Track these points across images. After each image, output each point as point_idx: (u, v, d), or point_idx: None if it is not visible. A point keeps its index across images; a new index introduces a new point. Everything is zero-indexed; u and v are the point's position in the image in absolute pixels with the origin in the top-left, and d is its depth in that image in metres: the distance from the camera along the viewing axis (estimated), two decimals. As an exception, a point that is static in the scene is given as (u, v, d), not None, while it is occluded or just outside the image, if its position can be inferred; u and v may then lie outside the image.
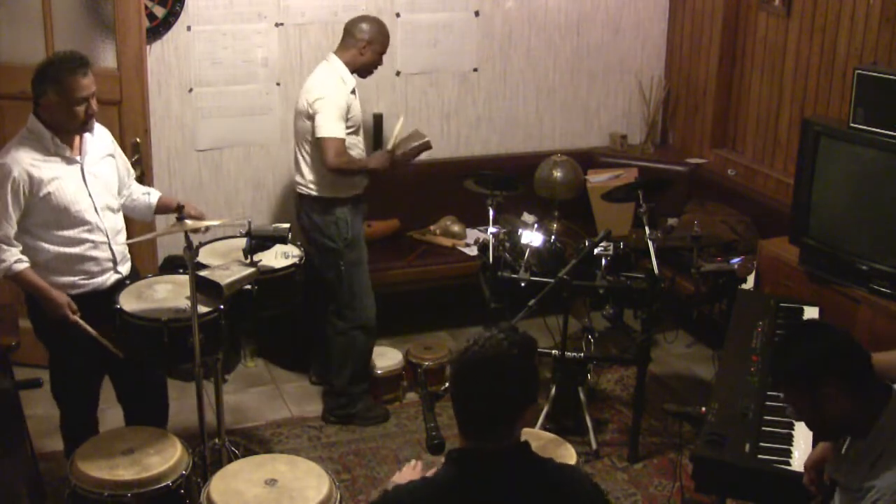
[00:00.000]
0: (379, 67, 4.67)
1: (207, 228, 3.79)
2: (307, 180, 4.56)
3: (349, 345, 4.64)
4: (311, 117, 4.41)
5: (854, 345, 2.49)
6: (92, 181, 3.63)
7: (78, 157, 3.60)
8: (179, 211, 3.54)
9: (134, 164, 4.49)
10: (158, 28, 5.00)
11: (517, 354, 2.18)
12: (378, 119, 5.45)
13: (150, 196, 3.94)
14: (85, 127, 3.58)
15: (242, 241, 3.79)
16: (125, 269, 3.78)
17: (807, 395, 2.46)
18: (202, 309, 3.52)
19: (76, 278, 3.62)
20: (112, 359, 3.77)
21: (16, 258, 3.50)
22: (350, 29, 4.54)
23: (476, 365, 2.17)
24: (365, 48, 4.50)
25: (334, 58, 4.52)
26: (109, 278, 3.71)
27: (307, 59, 5.26)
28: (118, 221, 3.76)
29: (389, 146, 4.72)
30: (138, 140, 4.63)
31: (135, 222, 4.18)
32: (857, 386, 2.43)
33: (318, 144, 4.42)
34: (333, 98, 4.39)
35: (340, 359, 4.67)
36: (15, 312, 4.44)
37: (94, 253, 3.64)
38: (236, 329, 4.32)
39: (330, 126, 4.38)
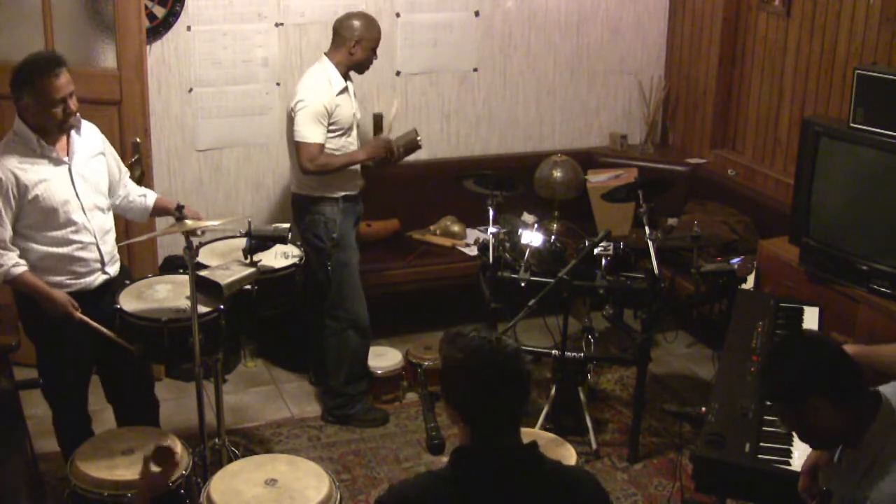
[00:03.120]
0: (375, 63, 4.64)
1: (204, 232, 3.79)
2: (296, 179, 4.58)
3: (343, 345, 4.64)
4: (292, 120, 4.43)
5: (842, 358, 2.48)
6: (80, 182, 3.61)
7: (65, 158, 3.59)
8: (179, 211, 3.54)
9: (134, 164, 4.49)
10: (158, 28, 5.00)
11: (508, 342, 2.23)
12: (378, 119, 5.44)
13: (146, 198, 3.93)
14: (64, 126, 3.55)
15: (242, 241, 3.79)
16: (113, 269, 3.76)
17: (794, 411, 2.46)
18: (202, 309, 3.52)
19: (63, 278, 3.61)
20: (102, 359, 3.78)
21: (13, 262, 3.49)
22: (338, 28, 4.52)
23: (506, 360, 2.17)
24: (355, 46, 4.47)
25: (325, 59, 4.51)
26: (97, 279, 3.70)
27: (307, 59, 5.26)
28: (107, 222, 3.74)
29: (386, 131, 4.71)
30: (138, 140, 4.63)
31: (135, 222, 4.18)
32: (845, 400, 2.43)
33: (295, 148, 4.44)
34: (312, 102, 4.38)
35: (335, 359, 4.67)
36: (15, 312, 4.44)
37: (81, 254, 3.63)
38: (236, 329, 4.32)
39: (304, 130, 4.38)
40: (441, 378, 2.24)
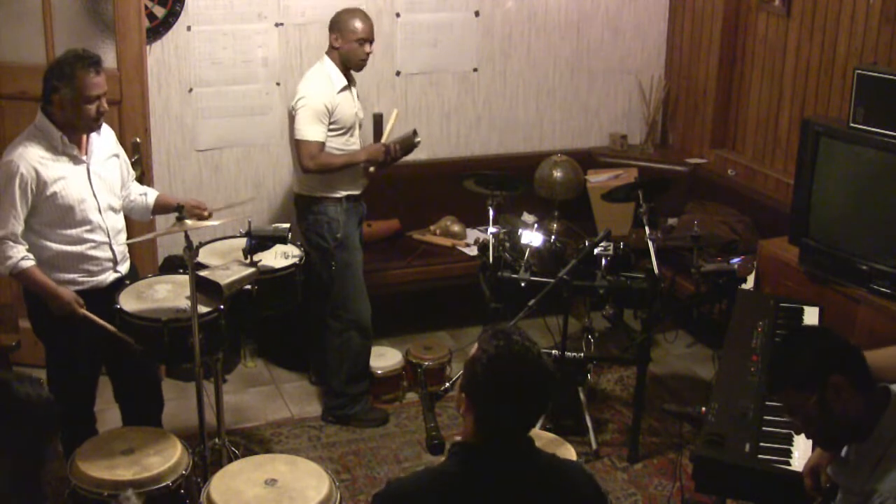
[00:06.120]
0: (375, 63, 4.59)
1: (211, 214, 3.81)
2: (298, 179, 4.57)
3: (345, 345, 4.64)
4: (293, 119, 4.43)
5: (849, 343, 2.50)
6: (97, 181, 3.65)
7: (84, 157, 3.62)
8: (179, 211, 3.55)
9: (134, 164, 4.49)
10: (158, 28, 5.00)
11: (544, 354, 2.21)
12: (378, 119, 5.44)
13: (146, 196, 3.95)
14: (94, 125, 3.61)
15: (242, 241, 3.79)
16: (124, 268, 3.81)
17: (815, 394, 2.42)
18: (202, 309, 3.52)
19: (77, 276, 3.64)
20: (111, 357, 3.78)
21: (22, 255, 3.51)
22: (329, 27, 4.52)
23: (527, 367, 2.15)
24: (336, 39, 4.45)
25: (325, 57, 4.51)
26: (108, 277, 3.73)
27: (307, 59, 5.26)
28: (119, 221, 3.78)
29: (384, 139, 4.71)
30: (138, 140, 4.63)
31: (135, 222, 4.19)
32: (862, 381, 2.43)
33: (296, 146, 4.44)
34: (311, 100, 4.38)
35: (337, 359, 4.67)
36: (15, 312, 4.45)
37: (95, 252, 3.66)
38: (236, 329, 4.32)
39: (304, 129, 4.38)
40: (466, 365, 2.22)
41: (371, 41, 4.49)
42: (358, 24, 4.44)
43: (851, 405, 2.41)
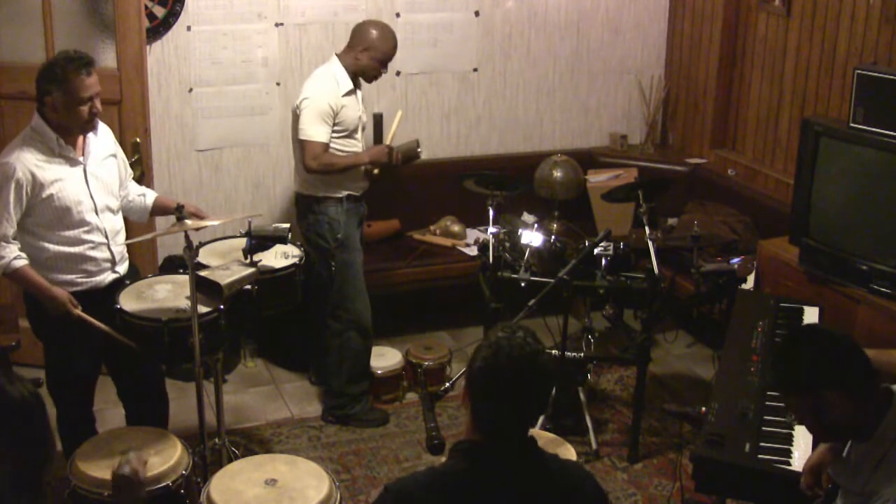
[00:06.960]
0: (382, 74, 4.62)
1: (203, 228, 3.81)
2: (300, 179, 4.57)
3: (344, 346, 4.64)
4: (297, 118, 4.43)
5: (855, 349, 2.46)
6: (93, 182, 3.64)
7: (81, 158, 3.62)
8: (179, 210, 3.54)
9: (134, 164, 4.50)
10: (158, 28, 5.00)
11: (546, 355, 2.20)
12: (378, 119, 5.45)
13: (145, 197, 3.94)
14: (88, 126, 3.60)
15: (242, 241, 3.79)
16: (123, 268, 3.80)
17: (808, 402, 2.43)
18: (202, 309, 3.52)
19: (75, 276, 3.64)
20: (112, 356, 3.79)
21: (14, 255, 3.50)
22: (355, 31, 4.52)
23: (520, 364, 2.14)
24: (362, 53, 4.46)
25: (334, 58, 4.51)
26: (107, 277, 3.72)
27: (307, 59, 5.27)
28: (117, 222, 3.77)
29: (388, 140, 4.72)
30: (138, 140, 4.63)
31: (135, 222, 4.19)
32: (859, 391, 2.41)
33: (300, 146, 4.44)
34: (317, 101, 4.38)
35: (336, 360, 4.67)
36: (15, 312, 4.45)
37: (93, 253, 3.66)
38: (236, 329, 4.33)
39: (309, 129, 4.38)
40: (469, 360, 2.23)
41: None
42: (388, 49, 4.48)
43: (845, 414, 2.40)
